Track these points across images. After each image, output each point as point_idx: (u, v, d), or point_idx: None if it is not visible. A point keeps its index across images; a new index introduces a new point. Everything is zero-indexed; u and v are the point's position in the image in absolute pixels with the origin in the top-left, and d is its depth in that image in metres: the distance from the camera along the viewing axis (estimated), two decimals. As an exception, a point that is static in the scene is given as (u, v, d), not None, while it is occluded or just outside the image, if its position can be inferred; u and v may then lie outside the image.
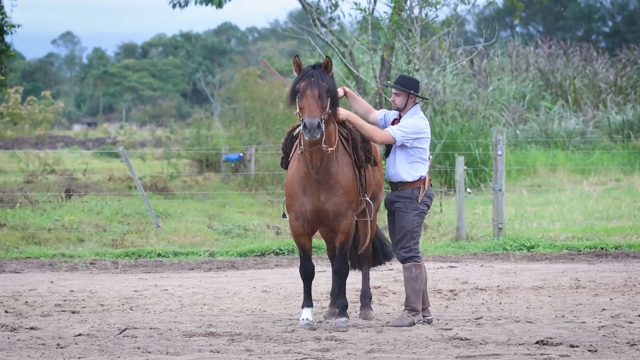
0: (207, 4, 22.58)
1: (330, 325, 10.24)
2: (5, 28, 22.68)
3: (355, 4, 19.43)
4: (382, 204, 10.73)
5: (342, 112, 10.09)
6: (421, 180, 10.21)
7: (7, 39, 22.84)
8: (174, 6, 23.02)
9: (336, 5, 21.83)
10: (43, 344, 9.15)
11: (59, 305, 11.79)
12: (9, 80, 26.25)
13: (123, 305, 11.83)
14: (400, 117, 10.34)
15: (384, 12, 19.82)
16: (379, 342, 9.19)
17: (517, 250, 17.14)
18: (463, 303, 11.80)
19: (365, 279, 10.91)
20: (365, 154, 10.27)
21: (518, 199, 23.20)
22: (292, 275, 14.16)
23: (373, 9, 19.85)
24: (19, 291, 12.82)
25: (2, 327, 10.10)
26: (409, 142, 10.17)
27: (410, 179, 10.20)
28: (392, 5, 19.34)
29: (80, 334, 9.67)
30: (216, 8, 22.76)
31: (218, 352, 8.76)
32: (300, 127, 9.79)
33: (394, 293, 12.52)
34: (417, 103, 10.36)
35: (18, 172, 30.12)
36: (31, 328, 10.06)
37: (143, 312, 11.36)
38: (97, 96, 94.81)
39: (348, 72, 23.03)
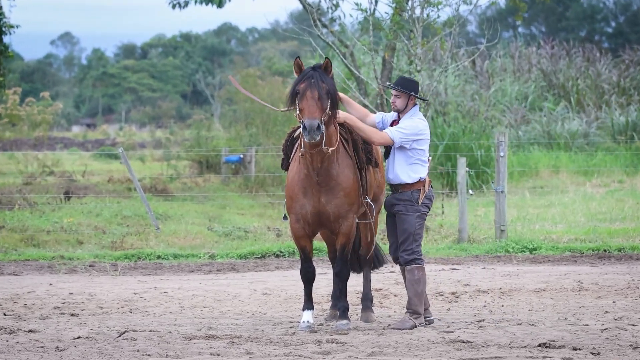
0: (207, 4, 22.53)
1: (331, 327, 10.20)
2: (3, 28, 22.62)
3: (356, 4, 19.34)
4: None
5: (340, 114, 10.03)
6: (421, 182, 10.15)
7: (6, 39, 22.80)
8: (173, 6, 22.97)
9: (337, 6, 21.77)
10: (42, 347, 9.12)
11: (58, 307, 11.74)
12: (8, 81, 26.20)
13: (122, 307, 11.79)
14: (399, 118, 10.27)
15: (385, 13, 19.72)
16: (380, 344, 9.15)
17: (519, 253, 17.10)
18: (465, 305, 11.76)
19: (367, 282, 10.87)
20: (366, 156, 10.22)
21: (520, 201, 23.17)
22: (293, 277, 14.12)
23: (374, 10, 19.76)
24: (17, 294, 12.77)
25: (0, 329, 10.06)
26: (407, 143, 10.11)
27: (409, 181, 10.15)
28: (394, 5, 19.26)
29: (79, 337, 9.64)
30: (217, 7, 22.70)
31: (218, 354, 8.72)
32: (300, 129, 9.73)
33: (395, 295, 12.48)
34: (416, 104, 10.30)
35: (17, 173, 30.08)
36: (30, 331, 10.03)
37: (142, 314, 11.32)
38: (96, 97, 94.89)
39: (349, 73, 22.97)
